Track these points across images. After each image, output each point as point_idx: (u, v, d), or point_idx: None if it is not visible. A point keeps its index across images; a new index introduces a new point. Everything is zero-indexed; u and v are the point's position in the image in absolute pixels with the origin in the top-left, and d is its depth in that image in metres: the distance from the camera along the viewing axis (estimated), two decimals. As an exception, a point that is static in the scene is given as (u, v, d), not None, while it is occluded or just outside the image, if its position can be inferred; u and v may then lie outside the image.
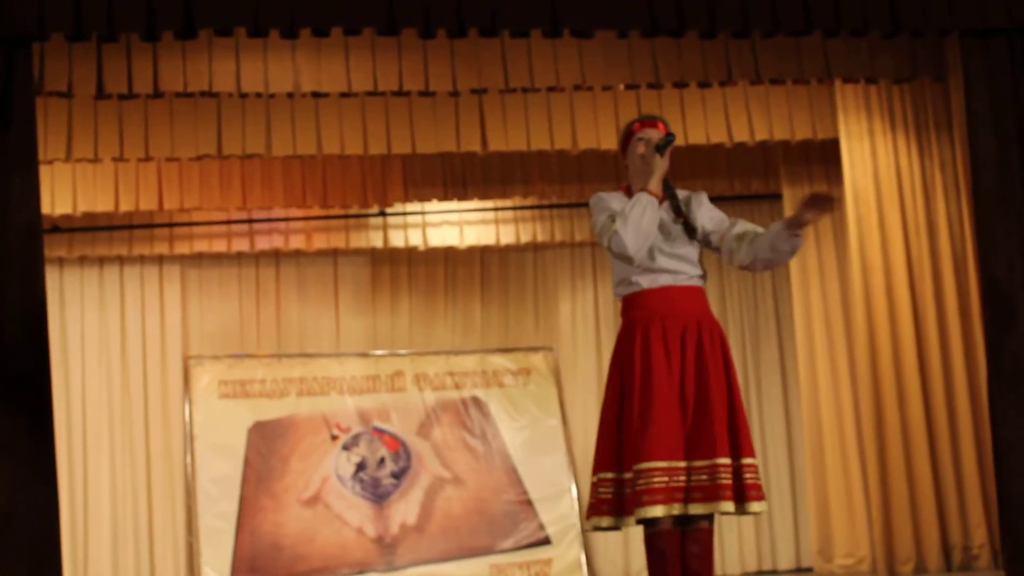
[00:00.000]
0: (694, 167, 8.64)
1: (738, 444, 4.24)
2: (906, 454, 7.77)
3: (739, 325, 9.65)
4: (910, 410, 7.80)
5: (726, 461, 4.17)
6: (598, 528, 4.28)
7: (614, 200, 4.40)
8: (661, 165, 4.33)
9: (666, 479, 4.13)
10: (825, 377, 8.44)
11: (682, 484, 4.15)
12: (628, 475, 4.20)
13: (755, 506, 4.20)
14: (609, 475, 4.27)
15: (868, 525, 8.06)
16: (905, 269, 7.91)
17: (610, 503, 4.25)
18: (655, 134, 4.39)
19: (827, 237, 8.63)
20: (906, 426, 7.81)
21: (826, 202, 4.20)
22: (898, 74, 7.64)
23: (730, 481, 4.16)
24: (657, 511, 4.10)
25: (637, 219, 4.23)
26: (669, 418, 4.19)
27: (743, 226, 4.42)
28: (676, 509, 4.14)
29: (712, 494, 4.15)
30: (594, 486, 4.30)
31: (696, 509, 4.16)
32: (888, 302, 7.91)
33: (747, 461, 4.23)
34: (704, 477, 4.17)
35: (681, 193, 4.47)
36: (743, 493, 4.20)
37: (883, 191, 8.00)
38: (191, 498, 8.87)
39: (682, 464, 4.17)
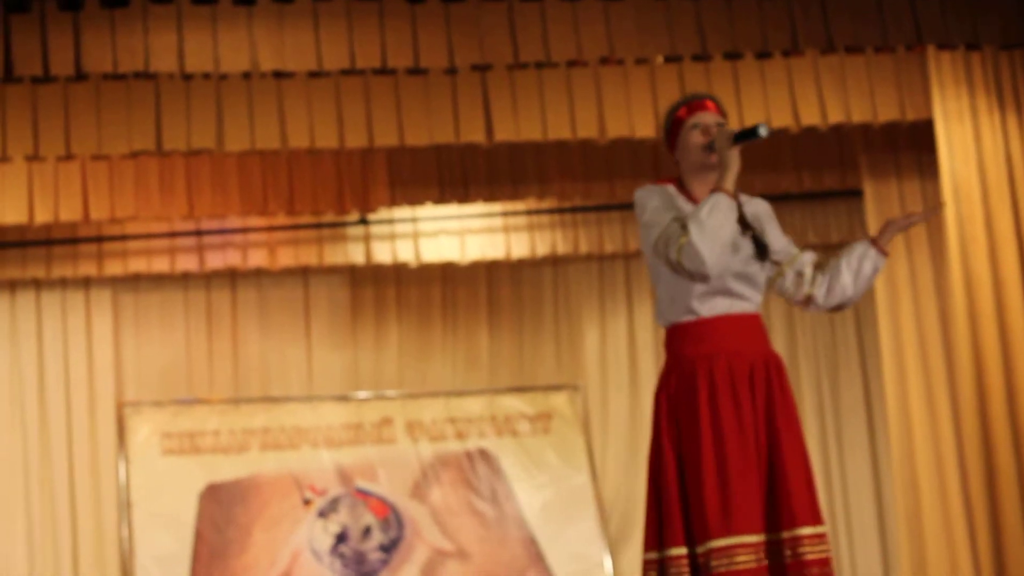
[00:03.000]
0: (752, 158, 8.49)
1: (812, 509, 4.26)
2: (1024, 513, 7.78)
3: (813, 358, 9.69)
4: (1029, 460, 7.80)
5: (809, 531, 4.18)
6: None
7: (674, 198, 4.38)
8: (737, 159, 4.31)
9: (750, 558, 4.13)
10: (921, 421, 8.41)
11: (766, 564, 4.17)
12: (698, 551, 4.19)
13: None
14: (682, 551, 4.23)
15: (978, 601, 8.05)
16: (1019, 282, 7.91)
17: None
18: (711, 118, 4.41)
19: (920, 244, 8.62)
20: (1024, 479, 7.81)
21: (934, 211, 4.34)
22: (1007, 38, 7.69)
23: (818, 555, 4.17)
24: None
25: (717, 227, 4.21)
26: (747, 482, 4.20)
27: (813, 255, 4.48)
28: None
29: (797, 572, 4.16)
30: (653, 564, 4.27)
31: None
32: (999, 323, 7.89)
33: (821, 530, 4.25)
34: (788, 552, 4.18)
35: (744, 198, 4.47)
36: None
37: (990, 185, 7.99)
38: (128, 581, 8.86)
39: (762, 538, 4.18)
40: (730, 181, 4.28)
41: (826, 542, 4.25)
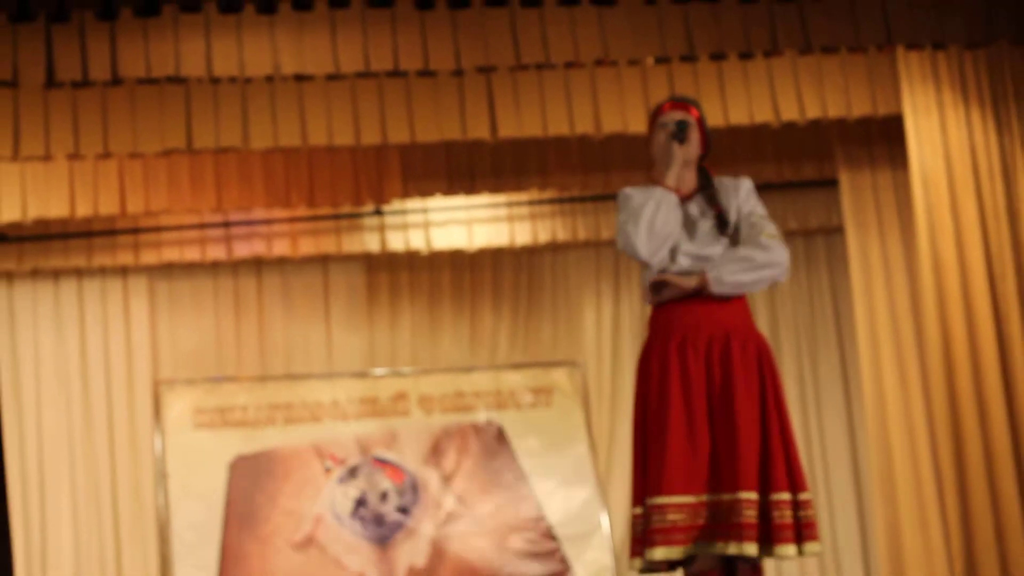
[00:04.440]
0: (736, 151, 8.62)
1: (770, 476, 4.25)
2: (989, 477, 7.73)
3: (793, 332, 9.66)
4: (993, 426, 7.76)
5: (750, 496, 4.18)
6: (642, 571, 4.30)
7: (639, 196, 4.43)
8: (680, 155, 4.38)
9: (682, 516, 4.16)
10: (893, 389, 8.40)
11: (702, 522, 4.19)
12: (648, 507, 4.25)
13: (811, 547, 4.25)
14: (638, 510, 4.33)
15: (947, 558, 8.03)
16: (983, 264, 7.88)
17: (640, 541, 4.30)
18: (677, 116, 4.47)
19: (892, 229, 8.59)
20: (988, 444, 7.77)
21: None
22: (971, 38, 7.65)
23: (754, 520, 4.17)
24: (657, 553, 4.15)
25: (649, 218, 4.29)
26: (685, 446, 4.22)
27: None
28: (686, 551, 4.17)
29: (734, 533, 4.16)
30: (631, 520, 4.37)
31: (723, 549, 4.18)
32: (964, 302, 7.87)
33: (801, 497, 4.26)
34: (727, 514, 4.19)
35: (723, 180, 4.51)
36: (798, 532, 4.23)
37: (956, 174, 7.96)
38: (165, 546, 8.81)
39: (702, 499, 4.20)
40: (671, 177, 4.37)
41: (793, 507, 4.24)
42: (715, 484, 4.21)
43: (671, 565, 4.22)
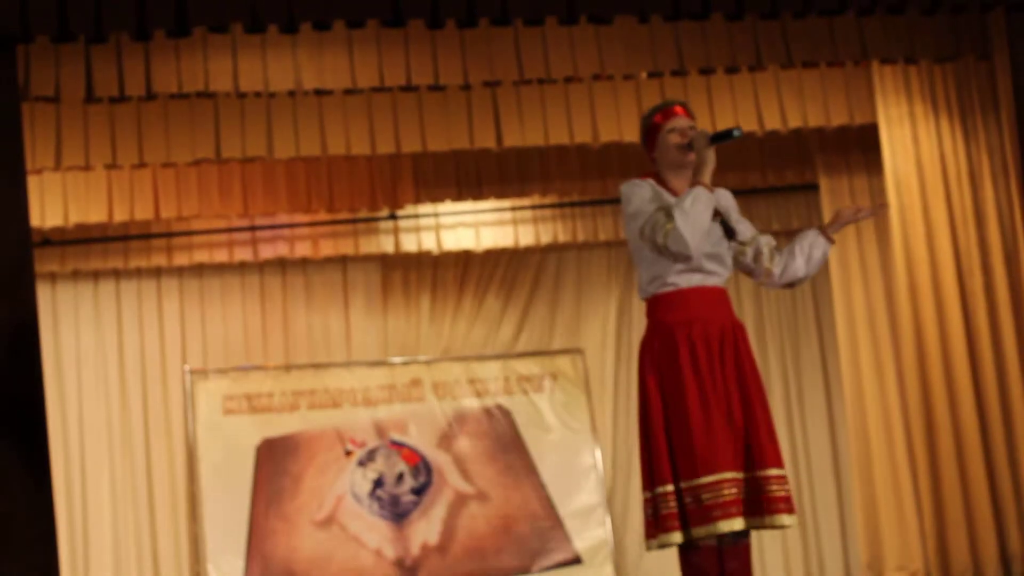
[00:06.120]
0: (724, 158, 8.33)
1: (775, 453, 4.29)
2: (959, 459, 7.72)
3: (777, 325, 9.65)
4: (962, 412, 7.75)
5: (778, 472, 4.22)
6: (665, 545, 4.24)
7: (657, 190, 4.38)
8: (713, 157, 4.33)
9: (735, 491, 4.16)
10: (870, 379, 8.40)
11: (741, 497, 4.19)
12: (684, 486, 4.21)
13: (786, 519, 4.24)
14: (670, 488, 4.24)
15: (920, 535, 8.02)
16: (952, 262, 7.86)
17: (677, 517, 4.23)
18: (684, 122, 4.42)
19: (868, 230, 8.59)
20: (958, 429, 7.76)
21: (880, 208, 4.34)
22: (939, 53, 7.62)
23: (785, 493, 4.21)
24: (736, 524, 4.13)
25: (699, 215, 4.21)
26: (725, 427, 4.22)
27: (770, 238, 4.50)
28: (739, 524, 4.16)
29: (768, 507, 4.18)
30: (648, 501, 4.28)
31: (754, 524, 4.19)
32: (935, 298, 7.86)
33: (774, 472, 4.26)
34: (756, 489, 4.20)
35: None
36: (788, 504, 4.24)
37: (926, 179, 7.95)
38: (197, 524, 8.87)
39: (741, 476, 4.21)
40: (707, 176, 4.31)
41: (787, 482, 4.27)
42: (747, 463, 4.22)
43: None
